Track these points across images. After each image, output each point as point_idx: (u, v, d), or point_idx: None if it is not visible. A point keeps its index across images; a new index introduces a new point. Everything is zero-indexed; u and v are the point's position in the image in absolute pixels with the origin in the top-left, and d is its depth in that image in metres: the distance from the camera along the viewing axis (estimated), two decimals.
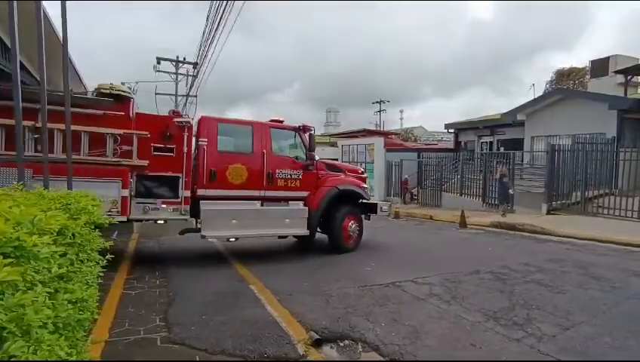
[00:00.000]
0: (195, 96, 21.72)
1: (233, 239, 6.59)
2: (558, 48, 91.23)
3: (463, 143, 23.19)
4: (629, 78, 17.36)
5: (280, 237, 7.40)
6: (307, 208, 6.93)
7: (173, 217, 6.04)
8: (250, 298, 4.65)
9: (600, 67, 20.48)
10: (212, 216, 6.12)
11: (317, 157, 7.34)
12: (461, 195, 15.16)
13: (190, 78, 20.84)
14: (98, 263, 2.22)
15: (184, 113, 20.54)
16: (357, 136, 24.15)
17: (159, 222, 6.06)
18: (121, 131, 5.49)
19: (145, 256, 7.24)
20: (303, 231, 6.82)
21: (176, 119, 6.02)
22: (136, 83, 18.33)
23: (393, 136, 29.57)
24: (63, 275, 1.51)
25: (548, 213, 11.96)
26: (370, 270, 6.00)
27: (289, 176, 6.89)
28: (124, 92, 5.71)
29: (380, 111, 42.05)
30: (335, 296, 4.68)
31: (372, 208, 8.00)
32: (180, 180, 5.99)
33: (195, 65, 19.38)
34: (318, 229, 7.21)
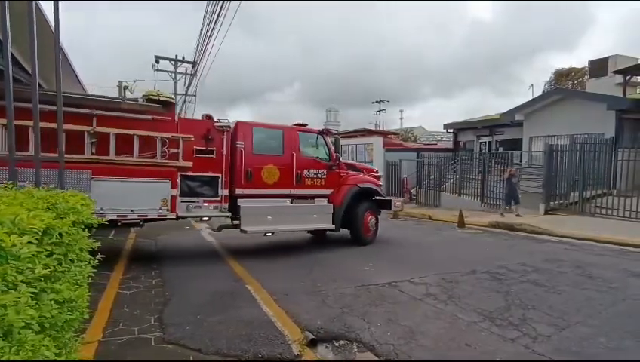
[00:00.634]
0: (194, 95, 21.72)
1: (270, 234, 7.15)
2: (558, 48, 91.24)
3: (462, 143, 23.18)
4: (627, 78, 17.35)
5: (309, 232, 8.21)
6: (332, 205, 7.56)
7: (215, 214, 6.56)
8: (246, 298, 4.64)
9: (599, 67, 20.48)
10: (251, 213, 6.63)
11: (341, 158, 7.97)
12: (460, 195, 15.15)
13: (188, 77, 20.83)
14: (89, 263, 2.21)
15: (183, 112, 20.52)
16: (356, 136, 24.11)
17: (204, 219, 6.77)
18: (169, 135, 5.90)
19: (141, 255, 7.22)
20: (329, 225, 7.47)
21: (216, 123, 6.50)
22: (134, 82, 18.29)
23: (392, 135, 29.53)
24: (50, 275, 1.50)
25: (546, 213, 11.95)
26: (367, 270, 5.99)
27: (315, 176, 7.51)
28: (169, 98, 6.13)
29: (379, 111, 42.12)
30: (331, 296, 4.67)
31: (386, 204, 8.59)
32: (220, 180, 6.49)
33: (193, 64, 19.36)
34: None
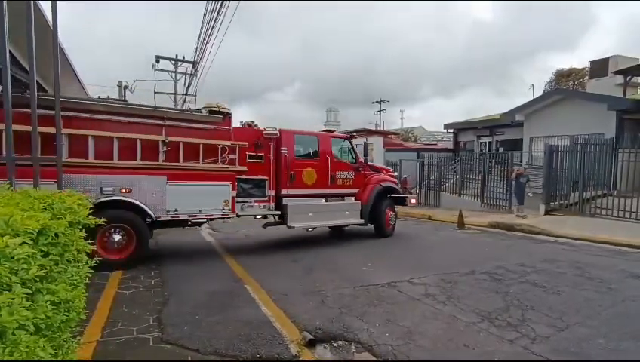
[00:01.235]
0: (194, 95, 21.71)
1: (312, 229, 8.10)
2: (559, 49, 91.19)
3: (462, 143, 23.17)
4: (628, 78, 17.33)
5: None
6: (360, 202, 8.46)
7: (264, 213, 7.36)
8: (245, 298, 4.63)
9: (599, 68, 20.44)
10: (296, 211, 7.44)
11: (365, 160, 8.87)
12: (460, 195, 15.14)
13: (188, 77, 20.82)
14: (86, 263, 2.20)
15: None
16: (355, 136, 24.11)
17: (257, 217, 7.53)
18: (229, 142, 6.58)
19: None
20: (359, 220, 8.39)
21: (264, 132, 7.26)
22: (134, 82, 18.29)
23: (393, 135, 29.52)
24: (45, 276, 1.49)
25: (546, 213, 11.94)
26: (366, 270, 5.98)
27: (345, 177, 8.43)
28: (227, 109, 6.72)
29: (379, 111, 42.07)
30: (330, 297, 4.66)
31: (402, 201, 9.56)
32: (268, 182, 7.31)
33: (194, 64, 19.35)
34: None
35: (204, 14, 12.00)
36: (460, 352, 3.23)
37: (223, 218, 6.81)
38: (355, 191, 8.62)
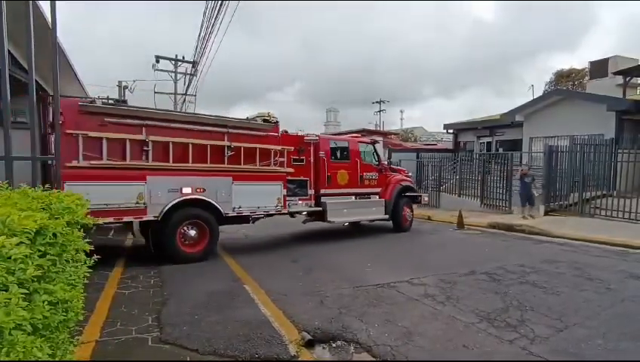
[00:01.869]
0: (194, 95, 21.70)
1: (347, 223, 9.41)
2: (559, 49, 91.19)
3: (462, 144, 23.16)
4: (627, 79, 17.33)
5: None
6: (384, 200, 9.43)
7: (307, 209, 8.24)
8: (244, 298, 4.63)
9: (599, 68, 20.44)
10: (334, 208, 8.35)
11: (387, 162, 10.09)
12: (459, 196, 15.13)
13: (188, 77, 20.80)
14: (85, 263, 2.20)
15: (184, 111, 20.47)
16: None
17: (303, 213, 8.40)
18: (280, 147, 7.39)
19: (140, 255, 7.22)
20: (384, 216, 9.38)
21: (305, 138, 8.22)
22: (134, 81, 18.29)
23: (393, 136, 29.53)
24: (43, 276, 1.49)
25: (545, 213, 11.93)
26: (365, 270, 5.98)
27: (371, 177, 9.34)
28: (276, 118, 7.50)
29: (379, 111, 42.06)
30: (330, 297, 4.66)
31: (417, 199, 10.49)
32: (309, 182, 8.18)
33: (193, 63, 19.35)
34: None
35: (204, 14, 12.02)
36: (459, 352, 3.23)
37: (278, 214, 7.60)
38: (378, 190, 9.51)
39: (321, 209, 8.28)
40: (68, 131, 5.34)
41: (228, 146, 6.69)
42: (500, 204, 13.27)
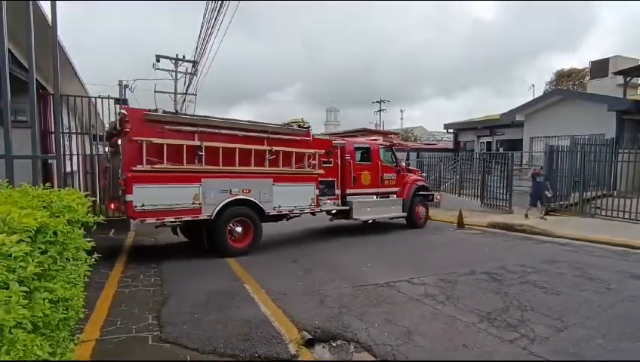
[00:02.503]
0: (194, 94, 21.70)
1: (371, 221, 9.82)
2: (560, 49, 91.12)
3: (462, 143, 23.16)
4: (628, 79, 17.31)
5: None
6: (401, 198, 10.07)
7: (335, 208, 8.81)
8: (244, 297, 4.63)
9: (600, 68, 20.41)
10: (359, 207, 8.95)
11: (404, 164, 10.71)
12: (460, 195, 15.13)
13: (188, 76, 20.79)
14: (85, 262, 2.20)
15: (184, 111, 20.52)
16: (356, 136, 24.08)
17: (332, 211, 8.96)
18: (313, 151, 7.90)
19: (140, 254, 7.23)
20: (402, 214, 10.02)
21: (334, 142, 8.82)
22: (134, 81, 18.28)
23: (393, 135, 29.47)
24: (43, 274, 1.49)
25: (546, 213, 11.91)
26: (365, 270, 5.98)
27: (390, 178, 9.98)
28: (308, 123, 8.35)
29: (379, 111, 42.03)
30: (329, 296, 4.66)
31: (430, 197, 11.12)
32: (336, 183, 8.74)
33: (194, 63, 19.34)
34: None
35: (204, 14, 12.01)
36: (459, 352, 3.23)
37: (312, 212, 8.25)
38: (396, 189, 10.15)
39: (347, 207, 8.86)
40: (134, 138, 5.85)
41: (269, 150, 7.19)
42: (501, 204, 13.25)
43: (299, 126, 8.09)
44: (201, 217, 6.48)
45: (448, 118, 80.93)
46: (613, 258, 6.88)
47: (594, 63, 21.33)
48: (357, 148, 9.39)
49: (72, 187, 6.82)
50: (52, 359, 1.29)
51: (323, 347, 3.40)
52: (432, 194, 11.35)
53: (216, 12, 10.88)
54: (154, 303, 4.39)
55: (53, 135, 9.35)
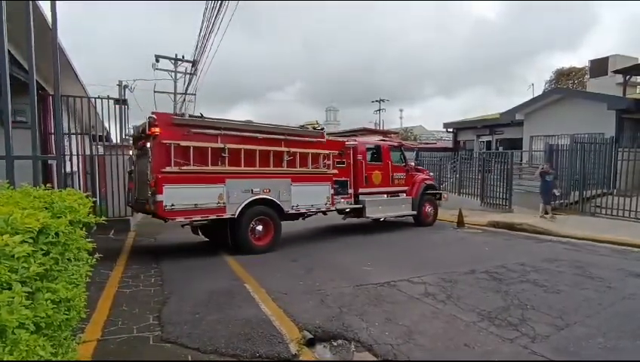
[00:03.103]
0: (194, 94, 21.68)
1: (382, 218, 9.91)
2: (560, 48, 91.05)
3: (461, 143, 23.17)
4: (627, 78, 17.32)
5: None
6: (410, 197, 10.31)
7: (348, 207, 9.06)
8: (244, 297, 4.63)
9: (599, 67, 20.43)
10: (371, 205, 9.20)
11: (413, 164, 10.99)
12: (459, 194, 15.14)
13: (188, 76, 20.78)
14: (87, 262, 2.20)
15: (184, 111, 20.51)
16: (356, 135, 24.10)
17: (346, 210, 9.19)
18: (327, 152, 8.21)
19: (141, 254, 7.23)
20: (411, 212, 10.25)
21: (346, 143, 9.08)
22: (134, 81, 18.27)
23: (392, 135, 29.48)
24: (46, 275, 1.49)
25: (551, 212, 11.91)
26: (366, 269, 5.98)
27: (399, 177, 10.24)
28: (322, 125, 9.21)
29: (379, 110, 42.04)
30: (330, 296, 4.66)
31: (438, 196, 11.36)
32: (349, 182, 9.01)
33: (193, 63, 19.32)
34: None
35: (204, 14, 12.00)
36: (460, 352, 3.23)
37: (327, 211, 8.56)
38: (405, 188, 10.39)
39: (360, 206, 9.09)
40: (163, 141, 6.13)
41: (286, 152, 7.47)
42: (501, 203, 13.26)
43: (313, 128, 8.49)
44: (225, 216, 6.71)
45: (448, 117, 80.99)
46: (613, 256, 6.89)
47: (593, 62, 21.35)
48: (368, 149, 9.65)
49: (72, 187, 6.83)
50: (54, 359, 1.28)
51: (324, 346, 3.40)
52: (440, 193, 11.57)
53: (216, 11, 10.88)
54: (155, 303, 4.40)
55: (53, 136, 9.37)
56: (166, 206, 6.06)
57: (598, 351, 3.22)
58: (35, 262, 1.34)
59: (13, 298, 1.13)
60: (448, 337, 3.49)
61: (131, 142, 7.85)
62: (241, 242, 6.98)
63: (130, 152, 8.22)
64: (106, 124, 10.88)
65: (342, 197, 8.82)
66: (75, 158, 9.55)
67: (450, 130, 24.26)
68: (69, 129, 10.22)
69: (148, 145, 6.32)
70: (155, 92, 19.94)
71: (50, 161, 8.18)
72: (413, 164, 10.84)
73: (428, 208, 10.75)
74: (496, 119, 20.00)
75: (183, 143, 6.25)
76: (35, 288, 1.39)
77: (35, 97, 3.04)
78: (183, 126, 6.43)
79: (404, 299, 4.54)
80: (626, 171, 11.20)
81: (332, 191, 8.28)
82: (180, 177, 6.23)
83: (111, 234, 9.03)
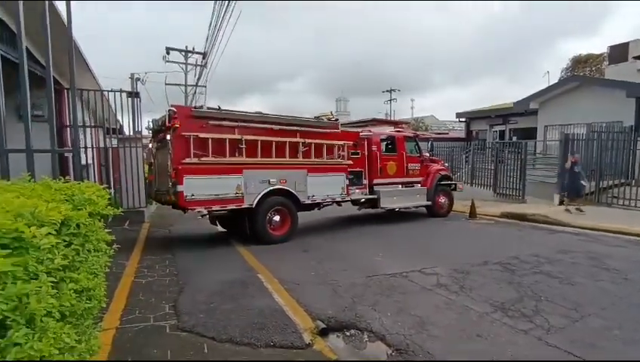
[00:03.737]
0: (205, 86, 21.77)
1: (397, 209, 9.89)
2: (576, 35, 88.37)
3: (474, 132, 22.84)
4: None
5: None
6: (425, 188, 10.27)
7: (363, 197, 9.04)
8: (258, 287, 4.70)
9: (619, 53, 19.77)
10: (386, 196, 9.27)
11: (427, 154, 10.83)
12: (472, 185, 14.98)
13: (199, 68, 20.84)
14: (105, 253, 2.26)
15: (194, 102, 20.62)
16: (366, 126, 23.94)
17: (361, 200, 9.13)
18: (342, 142, 8.25)
19: (156, 245, 7.37)
20: (426, 202, 10.22)
21: (361, 134, 9.10)
22: (146, 73, 18.41)
23: (403, 125, 29.20)
24: (68, 265, 1.54)
25: (560, 203, 11.74)
26: (377, 260, 6.00)
27: (414, 168, 10.21)
28: (337, 116, 8.97)
29: (390, 100, 41.63)
30: (342, 286, 4.69)
31: (453, 186, 11.23)
32: (363, 173, 9.04)
33: (204, 55, 19.36)
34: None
35: (214, 6, 11.96)
36: (473, 342, 3.23)
37: (342, 201, 8.60)
38: (420, 179, 10.34)
39: (375, 197, 9.12)
40: (182, 133, 6.26)
41: (302, 142, 7.54)
42: (514, 194, 13.09)
43: (328, 119, 8.46)
44: (244, 206, 6.84)
45: (460, 106, 79.68)
46: (630, 248, 6.76)
47: (613, 48, 20.68)
48: (383, 140, 9.64)
49: (88, 179, 6.97)
50: (54, 359, 1.32)
51: (337, 336, 3.44)
52: (455, 184, 11.45)
53: (226, 3, 10.84)
54: (170, 293, 4.49)
55: (69, 129, 9.54)
56: (187, 196, 6.20)
57: (614, 344, 3.18)
58: (59, 253, 1.38)
59: (41, 287, 1.18)
60: (461, 328, 3.49)
61: (151, 135, 7.93)
62: (259, 232, 7.08)
63: (150, 145, 8.35)
64: (119, 117, 11.04)
65: (356, 188, 8.87)
66: (89, 151, 9.72)
67: (463, 119, 23.92)
68: (84, 122, 10.39)
69: (168, 137, 6.45)
70: (166, 84, 20.08)
71: (66, 154, 8.34)
72: (427, 154, 10.79)
73: (442, 199, 10.68)
74: (509, 108, 19.62)
75: (202, 135, 6.36)
76: (60, 278, 1.44)
77: (53, 93, 3.09)
78: (201, 118, 6.53)
79: (416, 290, 4.55)
80: None
81: (347, 182, 8.33)
82: (199, 168, 6.36)
83: (126, 225, 9.22)
